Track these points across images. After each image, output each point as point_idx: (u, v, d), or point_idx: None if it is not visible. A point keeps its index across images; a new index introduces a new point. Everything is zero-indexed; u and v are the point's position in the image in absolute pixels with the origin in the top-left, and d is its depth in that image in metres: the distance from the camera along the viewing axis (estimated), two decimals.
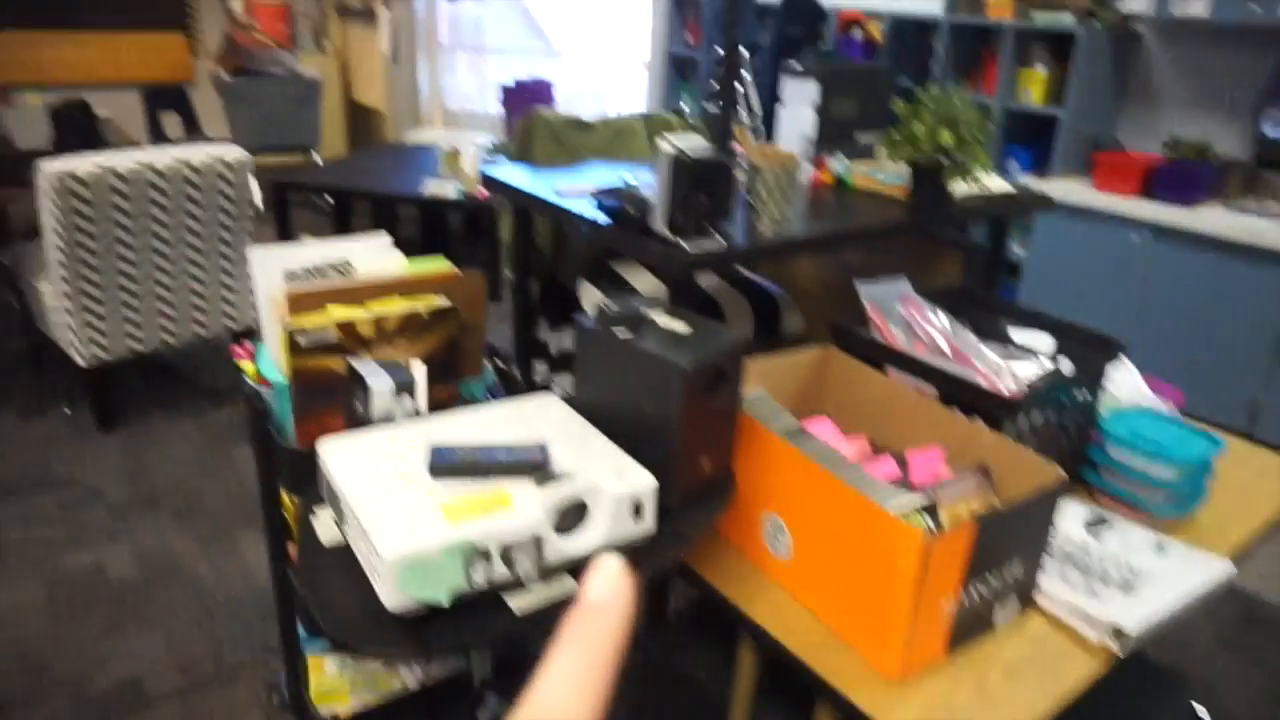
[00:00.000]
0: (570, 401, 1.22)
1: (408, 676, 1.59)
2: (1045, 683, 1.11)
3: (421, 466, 1.02)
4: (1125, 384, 1.69)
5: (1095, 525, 1.42)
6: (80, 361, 2.85)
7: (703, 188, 1.24)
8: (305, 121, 5.11)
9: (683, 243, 1.27)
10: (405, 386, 1.15)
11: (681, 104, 4.61)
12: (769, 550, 1.26)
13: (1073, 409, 1.45)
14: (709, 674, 1.43)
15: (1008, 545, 1.13)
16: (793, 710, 1.27)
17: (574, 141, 1.91)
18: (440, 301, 1.37)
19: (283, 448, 1.40)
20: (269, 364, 1.41)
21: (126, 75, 5.39)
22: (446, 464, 0.99)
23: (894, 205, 1.66)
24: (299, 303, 1.30)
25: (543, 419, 1.16)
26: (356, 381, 1.16)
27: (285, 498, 1.56)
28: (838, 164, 1.77)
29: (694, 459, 1.14)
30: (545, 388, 1.96)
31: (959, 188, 1.47)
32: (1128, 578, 1.28)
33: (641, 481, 1.03)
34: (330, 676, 1.54)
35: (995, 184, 1.64)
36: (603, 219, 1.36)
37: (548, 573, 1.01)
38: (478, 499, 0.97)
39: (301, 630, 1.61)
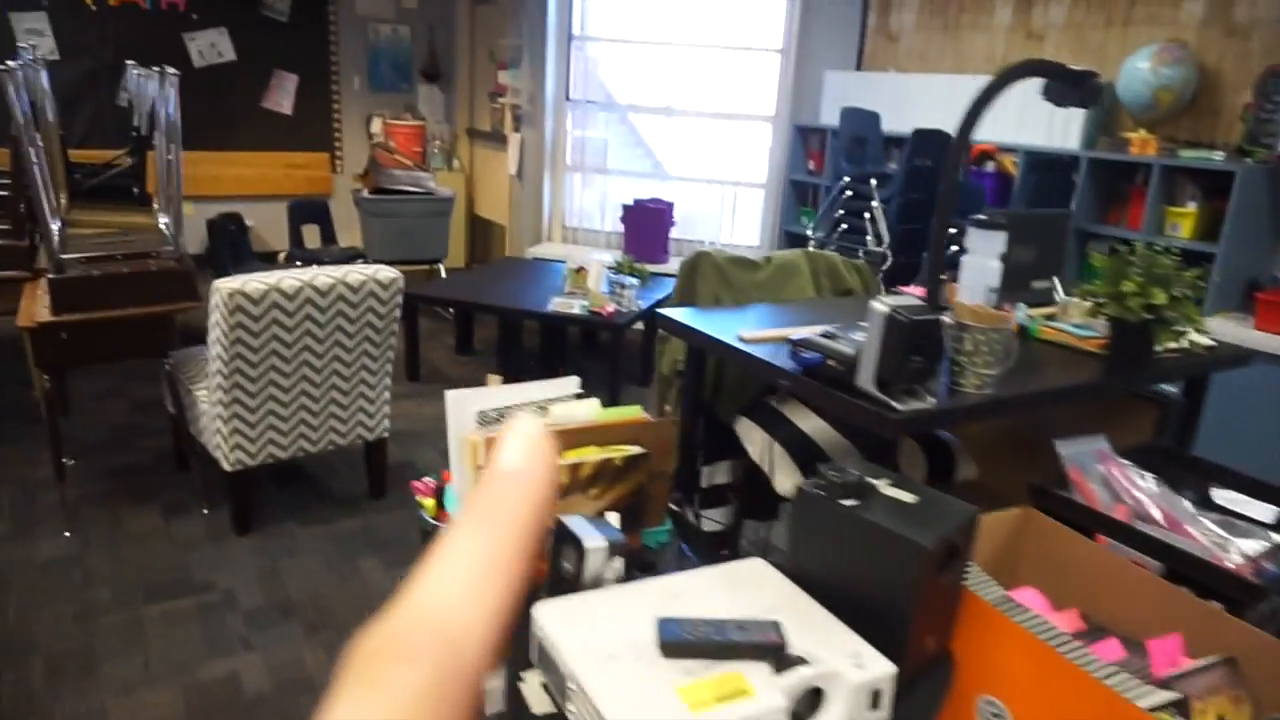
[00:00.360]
0: (780, 568, 1.17)
1: None
2: None
3: (647, 640, 0.98)
4: None
5: None
6: (225, 466, 2.96)
7: (916, 348, 1.22)
8: (435, 235, 5.36)
9: (893, 403, 1.24)
10: (619, 548, 1.13)
11: (808, 231, 4.67)
12: None
13: None
14: None
15: None
16: None
17: (740, 280, 1.93)
18: (634, 449, 1.37)
19: None
20: (455, 503, 1.42)
21: (274, 190, 5.80)
22: (679, 641, 0.96)
23: (1089, 359, 1.61)
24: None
25: (760, 589, 1.12)
26: (566, 539, 1.14)
27: None
28: (1020, 314, 1.73)
29: (921, 638, 1.07)
30: (698, 528, 1.92)
31: (1164, 344, 1.42)
32: None
33: (881, 669, 0.97)
34: None
35: (1198, 341, 1.58)
36: (800, 371, 1.35)
37: None
38: (715, 684, 0.93)
39: None
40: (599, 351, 4.85)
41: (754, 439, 1.84)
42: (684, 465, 1.90)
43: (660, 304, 4.43)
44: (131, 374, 4.29)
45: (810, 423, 1.83)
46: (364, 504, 3.34)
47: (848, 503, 1.09)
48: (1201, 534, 1.39)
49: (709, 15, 5.42)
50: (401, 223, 5.22)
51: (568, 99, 5.76)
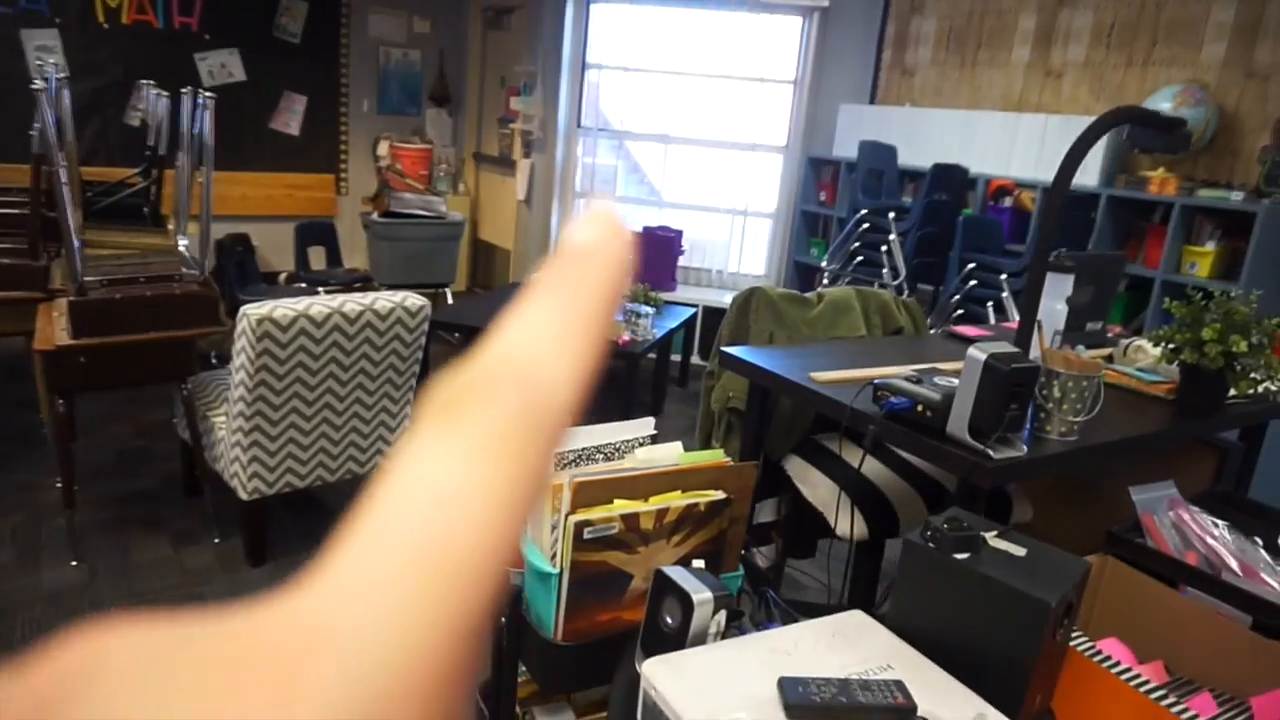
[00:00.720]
0: (882, 619, 1.16)
1: None
2: None
3: (767, 699, 0.96)
4: None
5: None
6: (242, 494, 2.91)
7: (1011, 396, 1.21)
8: (444, 259, 5.34)
9: (989, 450, 1.23)
10: (723, 601, 1.11)
11: (821, 263, 4.69)
12: None
13: None
14: None
15: None
16: None
17: (793, 317, 1.92)
18: (718, 494, 1.35)
19: (541, 638, 1.36)
20: (533, 549, 1.40)
21: (277, 210, 5.76)
22: (805, 703, 0.94)
23: (1156, 404, 1.61)
24: (586, 493, 1.30)
25: (869, 645, 1.10)
26: (669, 591, 1.12)
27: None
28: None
29: (1036, 699, 1.06)
30: (760, 571, 1.90)
31: (1242, 390, 1.43)
32: None
33: None
34: None
35: (1269, 388, 1.59)
36: (884, 415, 1.34)
37: None
38: None
39: None
40: (609, 380, 4.84)
41: (808, 479, 1.83)
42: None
43: (673, 332, 4.43)
44: (135, 396, 4.22)
45: (870, 467, 1.82)
46: None
47: (960, 556, 1.08)
48: (1276, 581, 1.39)
49: (722, 45, 5.47)
50: (411, 246, 5.19)
51: (579, 126, 5.78)
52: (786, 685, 0.96)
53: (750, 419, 1.71)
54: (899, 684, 0.98)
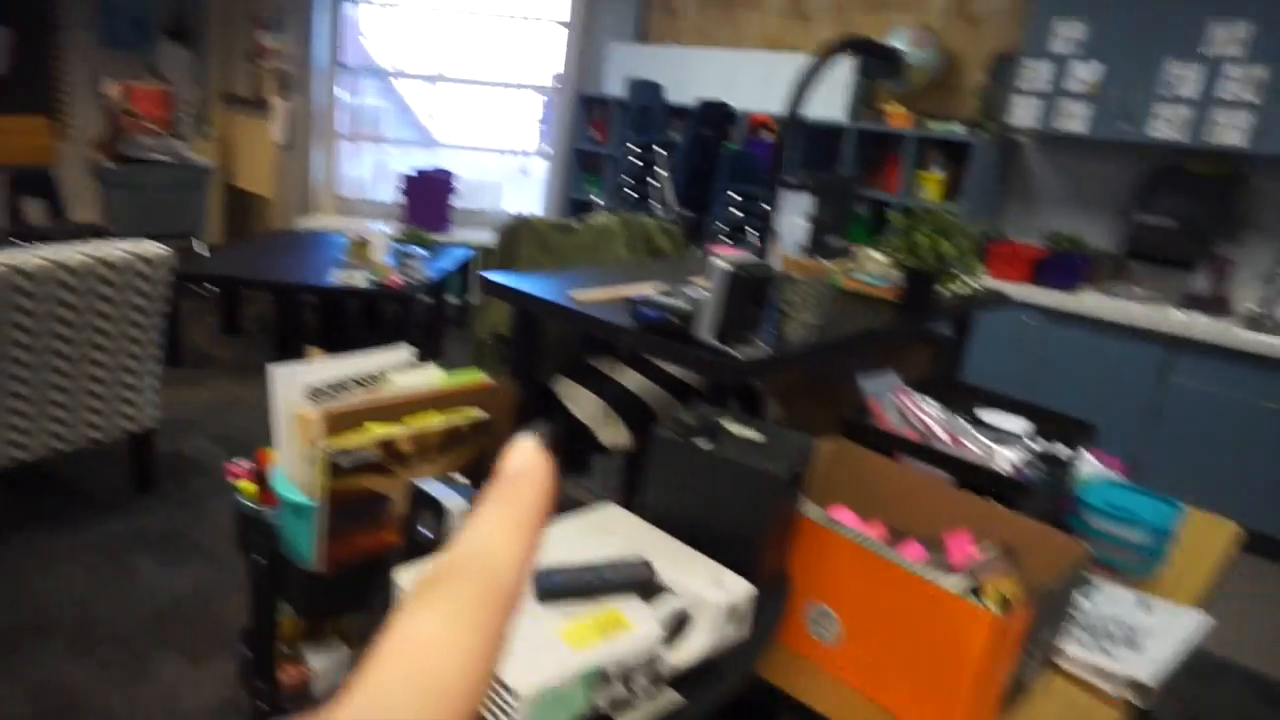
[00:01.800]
0: (635, 510, 1.23)
1: None
2: None
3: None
4: (1082, 457, 1.86)
5: (1083, 588, 1.55)
6: None
7: (753, 300, 1.30)
8: (190, 208, 4.88)
9: (733, 351, 1.33)
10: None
11: (593, 197, 4.74)
12: (814, 638, 1.30)
13: (1056, 485, 1.59)
14: None
15: (1045, 615, 1.22)
16: None
17: (558, 244, 1.95)
18: (480, 414, 1.36)
19: (301, 571, 1.33)
20: (286, 484, 1.35)
21: None
22: (555, 587, 0.99)
23: (886, 306, 1.80)
24: (337, 422, 1.26)
25: (620, 532, 1.17)
26: (423, 503, 1.13)
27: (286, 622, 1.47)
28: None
29: (769, 561, 1.17)
30: None
31: (945, 289, 1.62)
32: (1129, 635, 1.40)
33: (740, 589, 1.06)
34: None
35: (971, 285, 1.81)
36: (640, 328, 1.40)
37: (658, 689, 1.01)
38: (594, 622, 0.97)
39: None
40: (383, 326, 4.66)
41: (577, 397, 1.88)
42: (574, 440, 1.91)
43: (449, 275, 4.34)
44: None
45: (632, 380, 1.90)
46: (129, 502, 3.01)
47: (702, 443, 1.17)
48: (976, 446, 1.61)
49: None
50: (151, 195, 4.70)
51: (338, 64, 5.43)
52: (538, 576, 1.00)
53: (519, 343, 1.74)
54: (644, 560, 1.05)
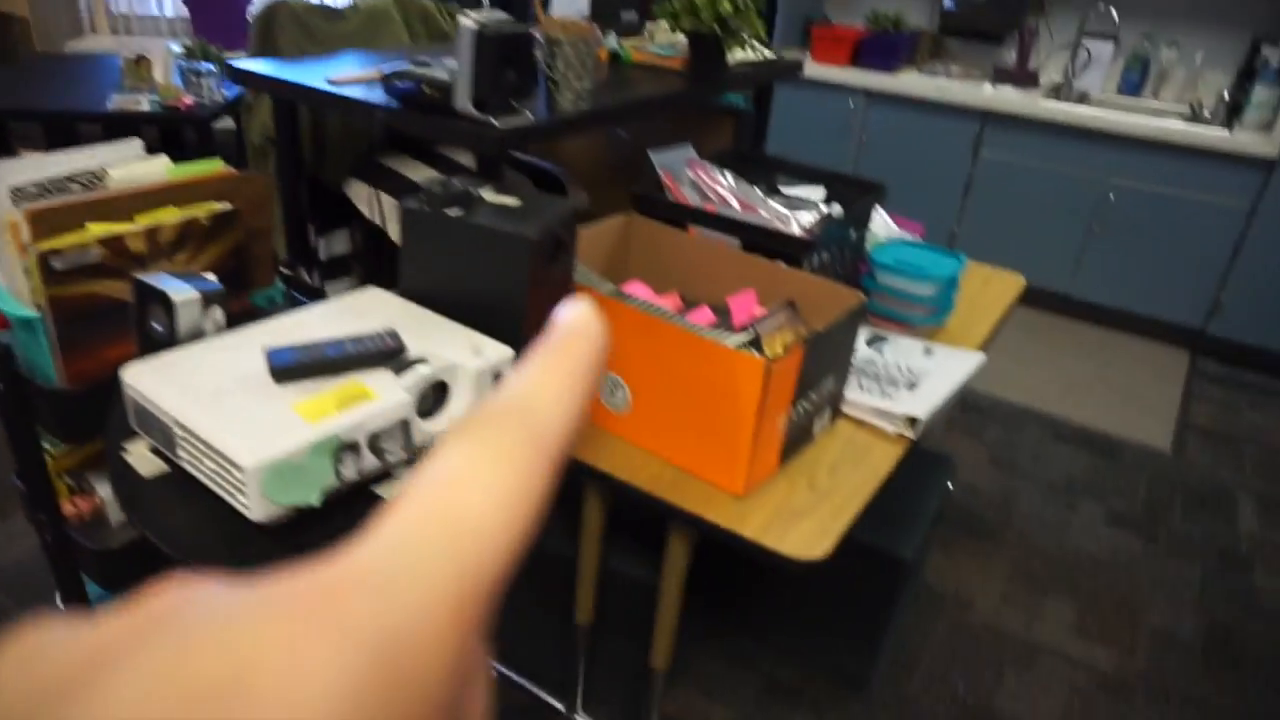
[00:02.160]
0: (397, 291, 1.16)
1: None
2: (861, 471, 1.28)
3: (260, 374, 0.94)
4: (878, 222, 1.90)
5: (875, 342, 1.62)
6: None
7: (507, 63, 1.20)
8: None
9: (492, 120, 1.23)
10: (214, 297, 1.03)
11: None
12: (606, 406, 1.31)
13: (847, 246, 1.61)
14: (564, 540, 1.49)
15: (824, 363, 1.26)
16: (642, 556, 1.37)
17: (325, 31, 1.74)
18: (222, 206, 1.24)
19: (46, 391, 1.22)
20: (6, 298, 1.21)
21: None
22: (289, 365, 0.92)
23: (673, 76, 1.72)
24: (46, 221, 1.12)
25: (378, 313, 1.10)
26: (151, 298, 1.02)
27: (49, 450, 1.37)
28: (611, 41, 1.78)
29: (537, 330, 1.14)
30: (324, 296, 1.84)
31: (733, 56, 1.54)
32: (910, 379, 1.48)
33: (499, 353, 1.03)
34: None
35: (762, 52, 1.74)
36: (397, 104, 1.27)
37: (415, 458, 0.99)
38: (334, 394, 0.92)
39: (93, 589, 1.45)
40: (188, 153, 4.24)
41: (363, 196, 1.76)
42: (296, 238, 1.77)
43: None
44: None
45: (422, 174, 1.78)
46: None
47: (453, 212, 1.09)
48: (770, 214, 1.60)
49: None
50: None
51: None
52: (273, 354, 0.94)
53: (281, 137, 1.58)
54: (391, 332, 0.99)
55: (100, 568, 1.44)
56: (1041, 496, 2.35)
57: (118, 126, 3.89)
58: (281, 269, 1.44)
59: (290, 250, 1.74)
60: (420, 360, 0.97)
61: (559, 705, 1.66)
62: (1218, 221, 2.91)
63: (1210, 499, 2.39)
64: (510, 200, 1.13)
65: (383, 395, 0.93)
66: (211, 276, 1.11)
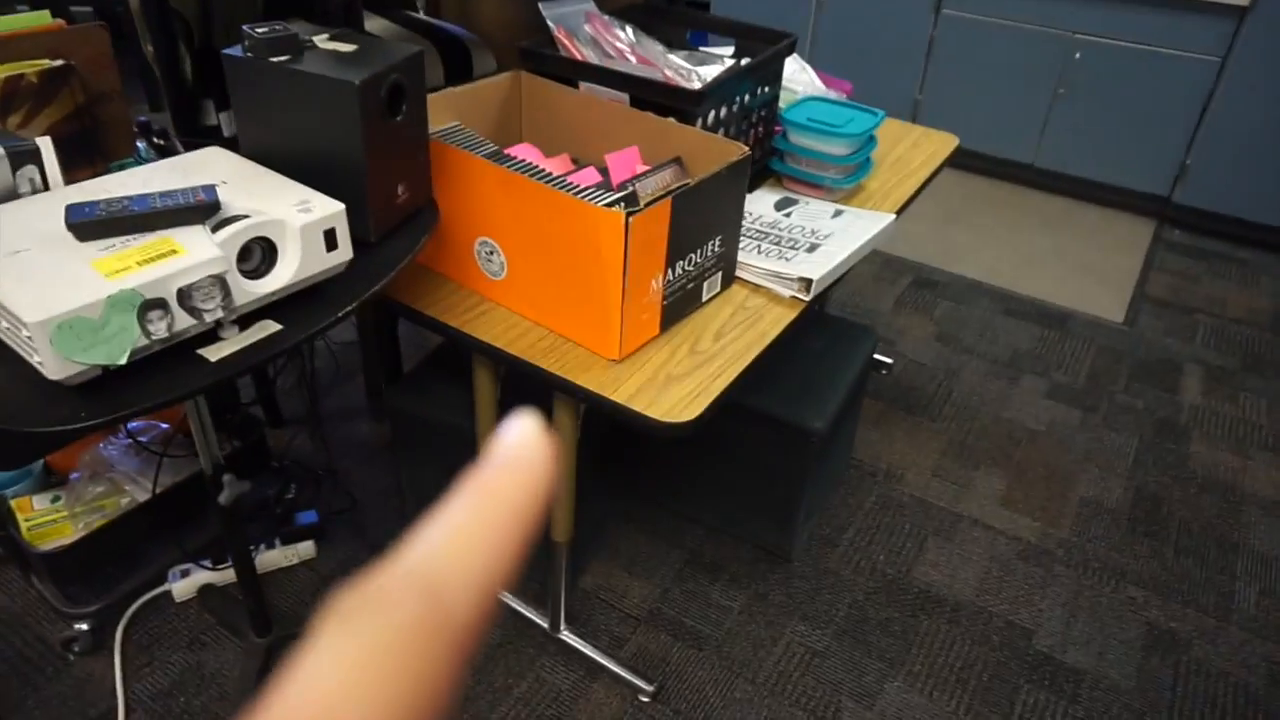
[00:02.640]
0: (238, 151, 1.10)
1: (136, 490, 1.48)
2: (748, 335, 1.24)
3: (64, 233, 0.89)
4: (802, 81, 1.80)
5: (785, 206, 1.55)
6: None
7: None
8: None
9: None
10: (24, 155, 0.97)
11: None
12: (485, 274, 1.26)
13: (757, 104, 1.52)
14: (458, 413, 1.46)
15: (705, 221, 1.20)
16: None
17: None
18: (53, 62, 1.16)
19: None
20: None
21: None
22: (89, 220, 0.87)
23: None
24: None
25: (210, 170, 1.04)
26: None
27: None
28: None
29: (388, 188, 1.08)
30: None
31: None
32: (813, 241, 1.42)
33: (328, 208, 0.97)
34: (42, 512, 1.40)
35: None
36: None
37: (244, 320, 0.94)
38: (138, 251, 0.87)
39: None
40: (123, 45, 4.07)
41: None
42: (184, 112, 1.68)
43: None
44: None
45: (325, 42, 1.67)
46: None
47: (279, 59, 1.02)
48: (671, 70, 1.51)
49: None
50: None
51: None
52: (71, 209, 0.88)
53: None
54: (207, 187, 0.93)
55: None
56: (984, 371, 2.32)
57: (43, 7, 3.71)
58: (156, 140, 1.37)
59: (180, 128, 1.65)
60: (240, 216, 0.92)
61: None
62: (1187, 77, 2.78)
63: (1157, 370, 2.36)
64: (345, 46, 1.05)
65: (193, 251, 0.88)
66: (46, 142, 1.05)
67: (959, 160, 3.29)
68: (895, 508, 1.91)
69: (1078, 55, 2.92)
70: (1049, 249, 2.92)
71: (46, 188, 1.00)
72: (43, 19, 1.16)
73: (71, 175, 1.04)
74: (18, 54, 1.13)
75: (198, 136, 1.74)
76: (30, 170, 0.98)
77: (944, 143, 1.88)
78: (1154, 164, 2.98)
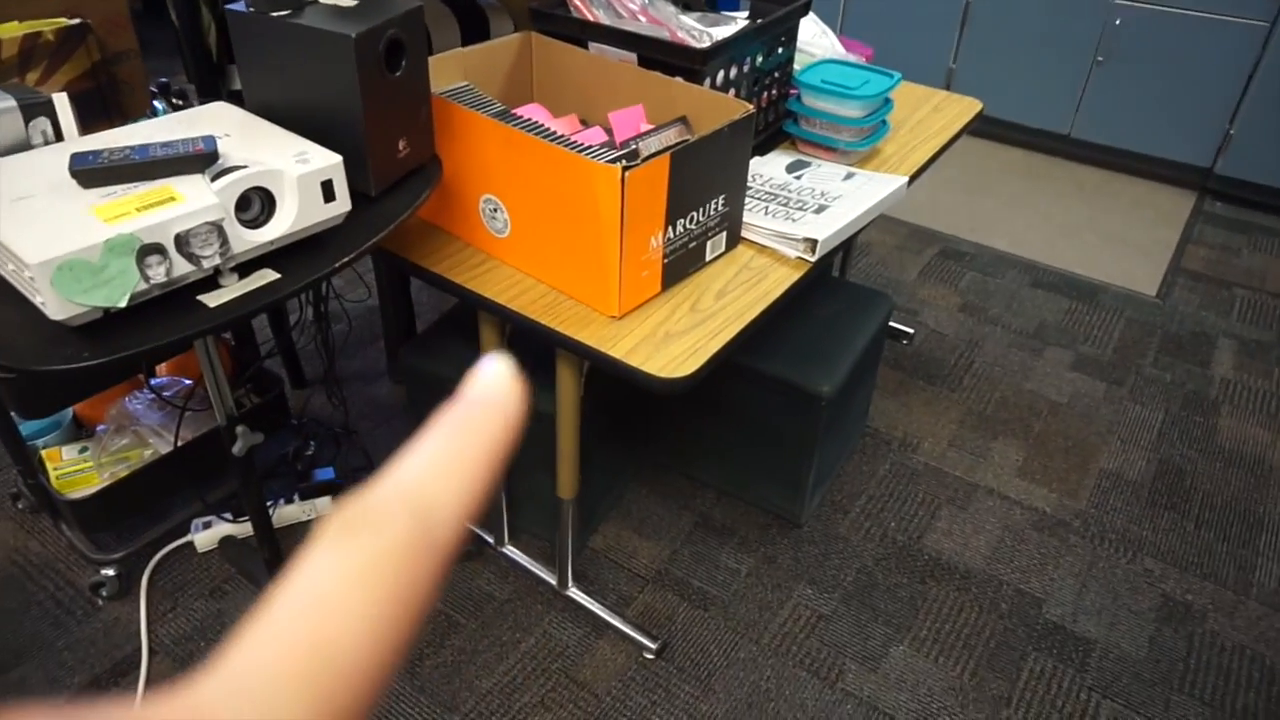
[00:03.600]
0: (244, 105, 1.12)
1: (159, 443, 1.53)
2: (750, 294, 1.24)
3: (70, 181, 0.92)
4: (821, 45, 1.78)
5: (796, 169, 1.54)
6: None
7: None
8: None
9: None
10: (37, 107, 1.00)
11: None
12: (489, 231, 1.28)
13: (770, 65, 1.51)
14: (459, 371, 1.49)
15: (707, 179, 1.20)
16: (543, 380, 1.35)
17: None
18: (68, 20, 1.19)
19: None
20: None
21: None
22: (91, 167, 0.90)
23: None
24: None
25: (215, 123, 1.06)
26: None
27: None
28: None
29: (388, 142, 1.10)
30: None
31: None
32: (822, 203, 1.41)
33: (325, 160, 0.99)
34: (71, 462, 1.46)
35: None
36: None
37: (243, 268, 0.97)
38: (138, 198, 0.90)
39: (24, 428, 1.50)
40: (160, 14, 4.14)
41: None
42: (206, 73, 1.72)
43: None
44: None
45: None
46: None
47: (280, 14, 1.03)
48: (682, 30, 1.50)
49: None
50: None
51: None
52: (75, 157, 0.91)
53: None
54: (207, 138, 0.96)
55: (22, 406, 1.48)
56: (1008, 343, 2.29)
57: None
58: (175, 101, 1.40)
59: (202, 90, 1.69)
60: (239, 167, 0.94)
61: (488, 538, 1.71)
62: (1232, 43, 2.68)
63: (1189, 344, 2.30)
64: (345, 2, 1.07)
65: (190, 199, 0.90)
66: (63, 99, 1.08)
67: (992, 130, 3.23)
68: (909, 476, 1.90)
69: (1118, 21, 2.83)
70: (1083, 221, 2.85)
71: (61, 139, 1.04)
72: None
73: (88, 131, 1.07)
74: (36, 12, 1.17)
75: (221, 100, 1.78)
76: (42, 122, 1.02)
77: (967, 107, 1.84)
78: (1196, 134, 2.88)
